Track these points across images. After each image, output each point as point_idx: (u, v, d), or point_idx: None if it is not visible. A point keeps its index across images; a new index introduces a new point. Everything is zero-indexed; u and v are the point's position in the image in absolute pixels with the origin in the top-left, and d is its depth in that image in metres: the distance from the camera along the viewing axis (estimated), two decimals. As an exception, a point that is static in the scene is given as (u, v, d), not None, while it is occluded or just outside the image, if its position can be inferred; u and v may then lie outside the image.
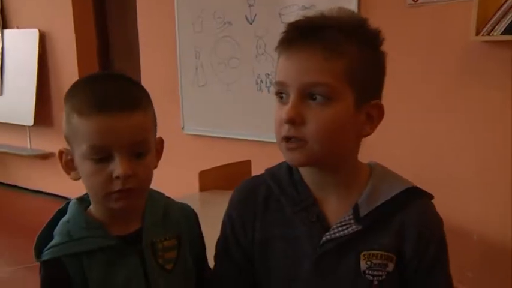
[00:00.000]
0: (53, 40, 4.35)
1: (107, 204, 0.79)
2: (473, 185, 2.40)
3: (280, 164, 0.87)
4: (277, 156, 2.92)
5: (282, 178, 0.85)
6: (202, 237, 0.94)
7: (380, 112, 0.79)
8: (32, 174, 4.73)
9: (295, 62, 0.75)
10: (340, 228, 0.78)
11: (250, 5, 3.04)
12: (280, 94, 0.78)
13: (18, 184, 4.87)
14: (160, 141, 0.86)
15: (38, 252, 0.82)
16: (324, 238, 0.79)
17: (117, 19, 4.28)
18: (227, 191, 2.33)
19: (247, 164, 2.51)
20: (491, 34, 2.14)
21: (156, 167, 0.84)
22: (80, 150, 0.77)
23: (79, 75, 4.15)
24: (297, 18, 0.79)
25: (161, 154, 0.87)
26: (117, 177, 0.75)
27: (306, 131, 0.74)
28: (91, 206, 0.85)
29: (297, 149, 0.76)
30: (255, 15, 3.03)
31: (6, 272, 3.14)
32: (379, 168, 0.84)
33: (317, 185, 0.82)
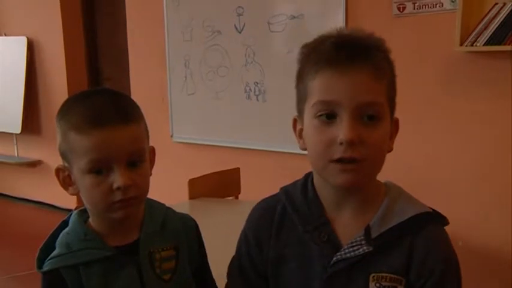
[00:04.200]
0: (41, 48, 4.34)
1: (108, 215, 0.81)
2: (458, 191, 2.44)
3: (296, 182, 0.87)
4: (264, 164, 2.94)
5: (296, 196, 0.84)
6: (203, 248, 0.95)
7: (397, 127, 0.82)
8: (19, 182, 4.69)
9: (349, 81, 0.74)
10: (351, 249, 0.78)
11: (239, 14, 3.07)
12: (326, 114, 0.75)
13: (5, 192, 4.83)
14: (153, 150, 0.88)
15: (40, 262, 0.83)
16: (334, 258, 0.78)
17: (107, 27, 4.28)
18: (216, 199, 2.35)
19: (236, 171, 2.52)
20: (474, 45, 2.20)
21: (150, 174, 0.86)
22: (79, 165, 0.79)
23: (67, 83, 4.14)
24: (329, 35, 0.78)
25: (153, 163, 0.89)
26: (118, 188, 0.78)
27: (363, 152, 0.73)
28: (90, 218, 0.86)
29: (354, 170, 0.74)
30: (244, 24, 3.07)
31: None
32: (395, 189, 0.84)
33: (332, 204, 0.81)
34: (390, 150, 0.81)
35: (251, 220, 0.89)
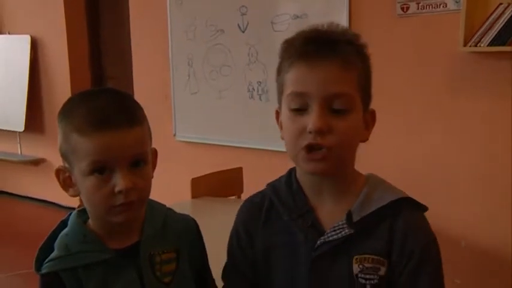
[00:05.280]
0: (44, 46, 4.35)
1: (109, 218, 0.80)
2: (460, 192, 2.43)
3: (280, 177, 0.92)
4: (267, 163, 2.94)
5: (282, 189, 0.89)
6: (204, 250, 0.94)
7: (373, 118, 0.86)
8: (23, 180, 4.71)
9: (318, 74, 0.78)
10: (333, 232, 0.82)
11: (242, 14, 3.07)
12: (298, 103, 0.80)
13: (8, 190, 4.84)
14: (155, 152, 0.87)
15: (39, 264, 0.82)
16: (318, 241, 0.83)
17: (110, 26, 4.29)
18: (219, 198, 2.36)
19: (238, 171, 2.53)
20: (478, 45, 2.19)
21: (152, 177, 0.85)
22: (80, 167, 0.78)
23: (71, 82, 4.15)
24: (305, 31, 0.83)
25: (155, 165, 0.88)
26: (120, 192, 0.77)
27: (331, 140, 0.78)
28: (90, 219, 0.85)
29: (322, 158, 0.79)
30: (247, 23, 3.06)
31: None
32: (375, 178, 0.88)
33: (314, 193, 0.86)
34: (365, 140, 0.85)
35: (240, 214, 0.94)
